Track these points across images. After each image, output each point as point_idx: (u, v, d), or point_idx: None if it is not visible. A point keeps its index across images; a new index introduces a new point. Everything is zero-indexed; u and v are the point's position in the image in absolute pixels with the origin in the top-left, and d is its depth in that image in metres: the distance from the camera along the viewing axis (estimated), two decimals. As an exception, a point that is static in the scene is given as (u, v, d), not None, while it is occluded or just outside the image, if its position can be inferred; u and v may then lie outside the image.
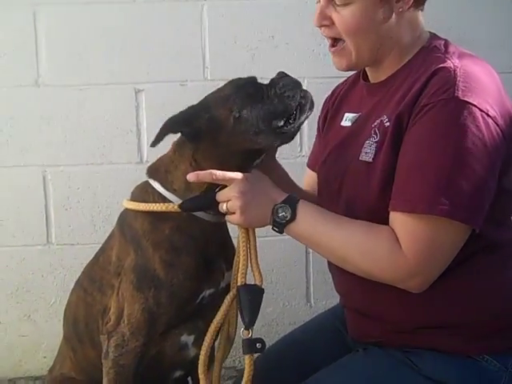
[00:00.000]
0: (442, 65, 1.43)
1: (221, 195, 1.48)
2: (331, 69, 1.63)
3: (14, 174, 2.64)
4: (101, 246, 1.73)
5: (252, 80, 1.55)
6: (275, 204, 1.45)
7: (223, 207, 1.48)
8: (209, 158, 1.52)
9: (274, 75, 1.56)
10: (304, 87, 1.52)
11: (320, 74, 2.52)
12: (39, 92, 2.61)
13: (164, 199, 1.55)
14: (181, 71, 2.61)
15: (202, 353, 1.53)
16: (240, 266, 1.52)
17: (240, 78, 1.57)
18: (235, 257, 1.56)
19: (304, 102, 1.51)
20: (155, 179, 1.58)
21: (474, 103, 1.35)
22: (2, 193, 2.65)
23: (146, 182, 1.61)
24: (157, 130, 1.53)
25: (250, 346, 1.48)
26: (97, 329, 1.64)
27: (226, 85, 1.58)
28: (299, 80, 1.54)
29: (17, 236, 2.67)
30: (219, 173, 1.46)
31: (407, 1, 1.50)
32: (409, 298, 1.46)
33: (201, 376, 1.54)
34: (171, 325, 1.58)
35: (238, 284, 1.51)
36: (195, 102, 2.59)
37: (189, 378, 1.84)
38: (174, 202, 1.53)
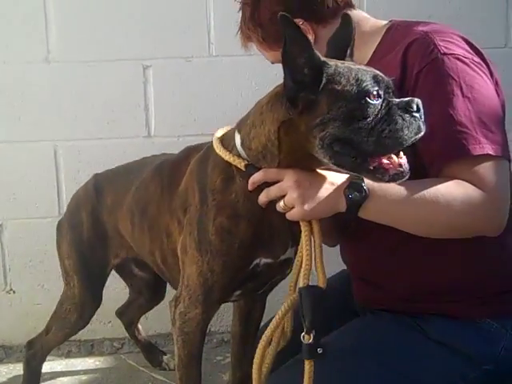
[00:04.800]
0: (413, 37, 1.52)
1: (273, 190, 1.42)
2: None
3: (26, 149, 2.70)
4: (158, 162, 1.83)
5: (373, 90, 1.32)
6: (343, 187, 1.39)
7: (280, 204, 1.42)
8: (288, 138, 1.38)
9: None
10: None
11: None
12: (49, 68, 2.66)
13: (239, 156, 1.47)
14: (186, 47, 2.66)
15: (258, 352, 1.47)
16: (303, 265, 1.42)
17: (366, 81, 1.32)
18: (297, 254, 1.48)
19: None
20: (239, 131, 1.49)
21: (460, 54, 1.47)
22: (15, 167, 2.72)
23: (233, 131, 1.52)
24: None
25: (311, 351, 1.39)
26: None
27: (358, 73, 1.33)
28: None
29: (29, 209, 2.74)
30: (271, 171, 1.41)
31: (308, 35, 1.56)
32: (412, 265, 1.56)
33: (254, 374, 1.48)
34: (225, 293, 1.61)
35: (300, 285, 1.42)
36: (201, 77, 2.67)
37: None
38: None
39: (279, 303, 1.49)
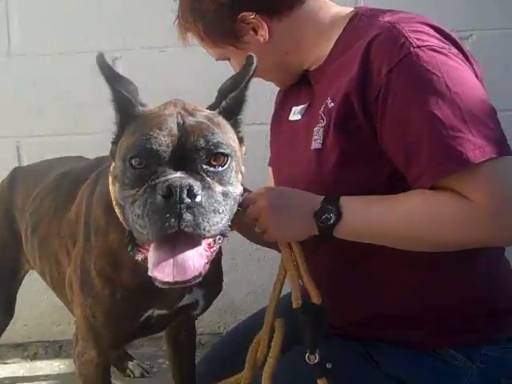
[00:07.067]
0: (377, 30, 1.33)
1: (251, 212, 1.32)
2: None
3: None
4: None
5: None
6: (314, 209, 1.30)
7: (256, 228, 1.34)
8: None
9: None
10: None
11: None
12: (11, 62, 2.56)
13: None
14: (161, 37, 2.49)
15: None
16: (292, 288, 1.35)
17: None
18: (277, 275, 1.40)
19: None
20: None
21: (435, 44, 1.28)
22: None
23: None
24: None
25: (321, 370, 1.30)
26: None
27: (141, 129, 1.16)
28: None
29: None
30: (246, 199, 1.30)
31: (260, 30, 1.49)
32: (368, 289, 1.43)
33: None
34: (118, 340, 1.46)
35: (294, 306, 1.34)
36: (175, 68, 2.52)
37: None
38: None
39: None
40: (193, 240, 1.10)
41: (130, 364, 2.41)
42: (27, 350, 2.72)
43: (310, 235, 1.33)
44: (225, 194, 1.15)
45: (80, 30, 2.55)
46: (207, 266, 1.12)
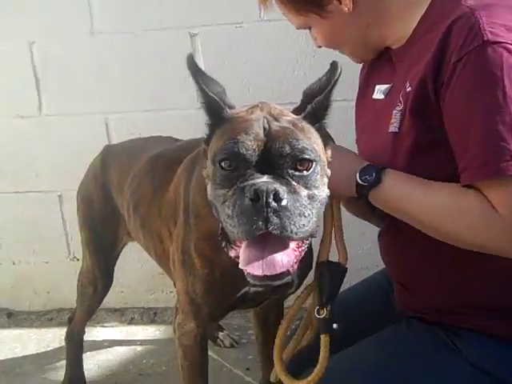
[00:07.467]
0: (457, 13, 1.28)
1: None
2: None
3: (77, 122, 2.72)
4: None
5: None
6: (358, 169, 1.35)
7: None
8: None
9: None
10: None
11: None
12: (94, 40, 2.64)
13: None
14: (236, 12, 2.52)
15: (277, 340, 1.43)
16: (324, 241, 1.41)
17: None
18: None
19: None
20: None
21: (509, 41, 1.20)
22: (68, 140, 2.75)
23: None
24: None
25: (326, 325, 1.36)
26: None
27: (230, 133, 1.20)
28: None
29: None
30: None
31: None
32: (451, 276, 1.41)
33: (276, 362, 1.43)
34: (215, 313, 1.55)
35: (320, 260, 1.40)
36: (252, 44, 2.54)
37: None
38: None
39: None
40: (281, 240, 1.15)
41: (221, 334, 2.49)
42: (124, 314, 2.88)
43: (348, 194, 1.38)
44: (310, 197, 1.18)
45: (158, 9, 2.58)
46: (296, 265, 1.17)
